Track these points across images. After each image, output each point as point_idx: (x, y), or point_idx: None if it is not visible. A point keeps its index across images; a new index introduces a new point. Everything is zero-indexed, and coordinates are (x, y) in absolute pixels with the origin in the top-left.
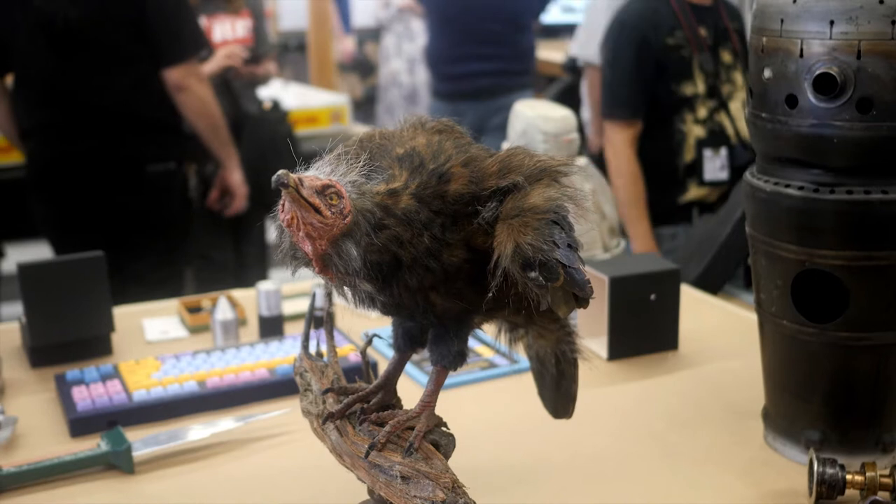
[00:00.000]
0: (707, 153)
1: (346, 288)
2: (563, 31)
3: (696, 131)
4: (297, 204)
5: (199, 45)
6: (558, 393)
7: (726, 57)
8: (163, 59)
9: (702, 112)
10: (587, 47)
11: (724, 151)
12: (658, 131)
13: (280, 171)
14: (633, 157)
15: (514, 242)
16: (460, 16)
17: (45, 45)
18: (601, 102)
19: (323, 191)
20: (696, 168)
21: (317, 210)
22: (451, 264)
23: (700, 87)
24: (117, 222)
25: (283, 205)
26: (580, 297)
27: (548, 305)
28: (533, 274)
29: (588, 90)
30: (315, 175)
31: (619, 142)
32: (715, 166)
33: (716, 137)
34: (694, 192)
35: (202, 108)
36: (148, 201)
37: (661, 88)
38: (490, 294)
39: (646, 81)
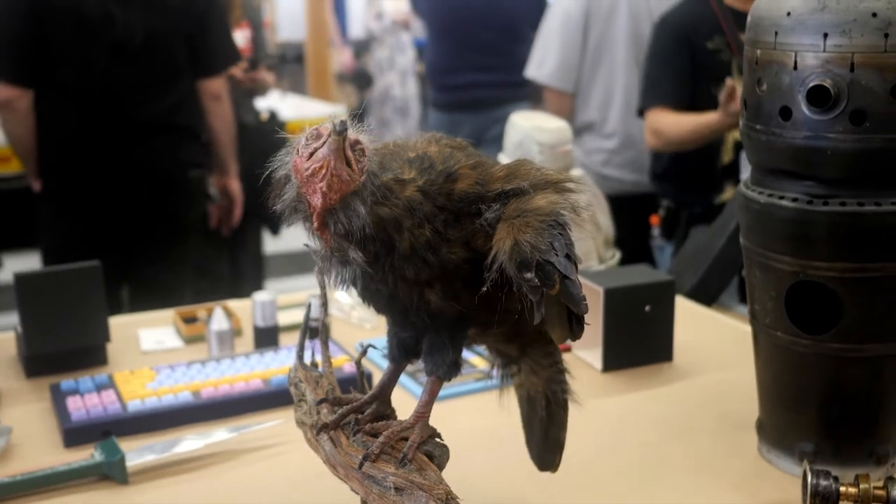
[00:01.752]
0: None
1: (334, 261)
2: None
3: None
4: (338, 154)
5: (238, 56)
6: (546, 441)
7: None
8: (207, 70)
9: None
10: (542, 68)
11: None
12: None
13: (343, 118)
14: (671, 119)
15: (514, 239)
16: (457, 26)
17: (104, 58)
18: (641, 95)
19: (354, 145)
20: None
21: (348, 163)
22: (450, 261)
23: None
24: (159, 232)
25: (312, 153)
26: (574, 323)
27: (542, 317)
28: (529, 275)
29: (548, 111)
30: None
31: (656, 123)
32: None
33: None
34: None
35: (230, 117)
36: (189, 207)
37: (700, 90)
38: (485, 288)
39: (683, 76)
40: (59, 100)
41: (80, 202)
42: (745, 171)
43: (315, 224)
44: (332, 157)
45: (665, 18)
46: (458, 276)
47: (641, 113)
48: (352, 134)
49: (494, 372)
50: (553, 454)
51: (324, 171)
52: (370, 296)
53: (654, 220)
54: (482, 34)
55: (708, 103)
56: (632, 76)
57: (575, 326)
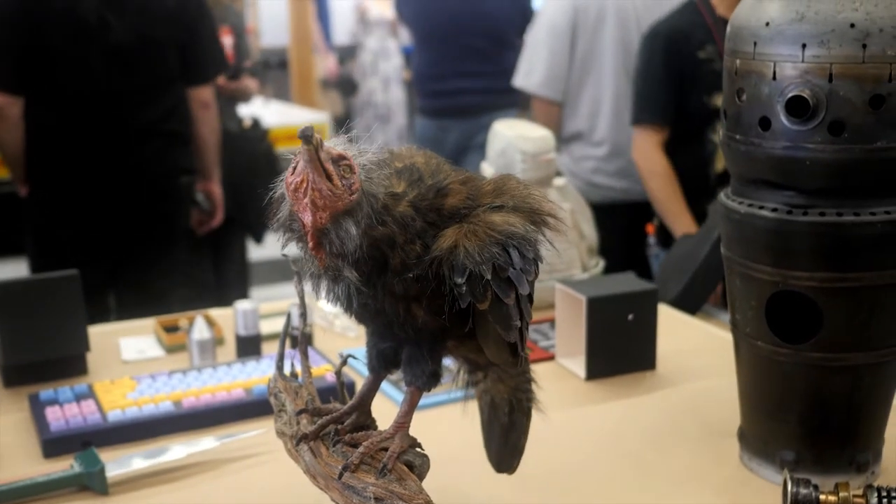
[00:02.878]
0: None
1: (325, 280)
2: None
3: None
4: (313, 165)
5: (226, 64)
6: (505, 445)
7: None
8: (196, 78)
9: None
10: (529, 78)
11: None
12: (690, 141)
13: (307, 126)
14: (662, 158)
15: (454, 242)
16: (443, 33)
17: (97, 65)
18: (632, 108)
19: (338, 160)
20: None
21: (328, 177)
22: (440, 277)
23: None
24: (149, 238)
25: (295, 167)
26: (511, 351)
27: (469, 327)
28: (459, 280)
29: (536, 120)
30: (332, 145)
31: (649, 145)
32: None
33: None
34: None
35: (217, 125)
36: (178, 213)
37: (692, 100)
38: (410, 275)
39: (674, 90)
40: (50, 106)
41: (69, 208)
42: None
43: (310, 244)
44: (308, 168)
45: (655, 30)
46: (445, 291)
47: (636, 122)
48: (334, 149)
49: (459, 377)
50: (512, 457)
51: (305, 185)
52: (357, 309)
53: (651, 228)
54: (468, 41)
55: (697, 112)
56: (620, 85)
57: (512, 353)
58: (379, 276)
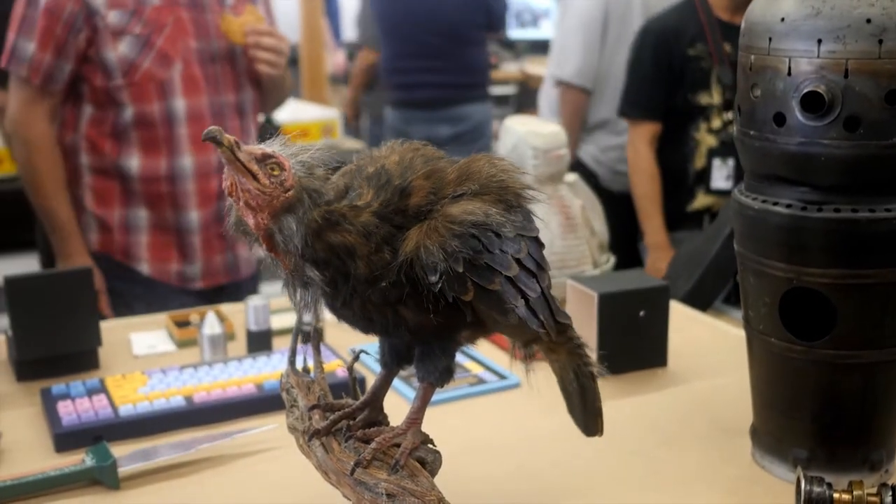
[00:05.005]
0: (716, 162)
1: (296, 284)
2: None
3: (709, 140)
4: (233, 166)
5: None
6: (585, 409)
7: None
8: None
9: (716, 122)
10: (564, 67)
11: (731, 162)
12: (673, 137)
13: (212, 127)
14: (650, 155)
15: (416, 243)
16: (403, 29)
17: None
18: (621, 100)
19: (263, 159)
20: (705, 176)
21: (254, 177)
22: (414, 279)
23: (716, 98)
24: None
25: (225, 170)
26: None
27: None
28: (434, 279)
29: (561, 107)
30: (257, 146)
31: (637, 140)
32: (722, 175)
33: (727, 148)
34: (701, 200)
35: None
36: None
37: (677, 96)
38: (384, 284)
39: (662, 85)
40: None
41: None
42: (717, 178)
43: (264, 245)
44: (230, 169)
45: (647, 26)
46: (424, 291)
47: (622, 114)
48: (256, 148)
49: (515, 352)
50: (594, 419)
51: (234, 187)
52: (345, 319)
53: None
54: (426, 38)
55: (681, 109)
56: None
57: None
58: (345, 282)
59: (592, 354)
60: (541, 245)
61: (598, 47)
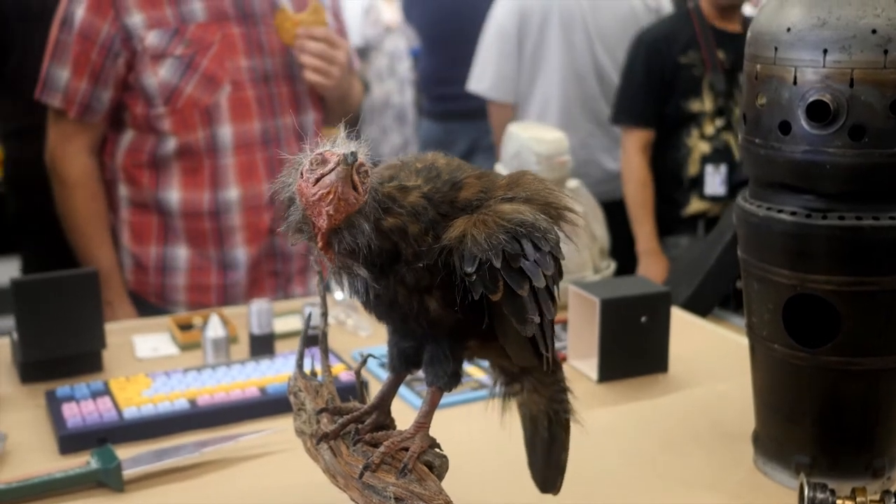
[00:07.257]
0: (709, 168)
1: (342, 274)
2: None
3: (702, 147)
4: (346, 181)
5: None
6: (549, 462)
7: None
8: None
9: (709, 129)
10: (481, 82)
11: (724, 168)
12: (666, 144)
13: (351, 149)
14: (643, 162)
15: (462, 231)
16: (449, 37)
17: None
18: (613, 107)
19: (359, 168)
20: (698, 182)
21: (354, 188)
22: (450, 267)
23: (708, 105)
24: None
25: (320, 178)
26: (538, 352)
27: (487, 322)
28: (469, 269)
29: (491, 123)
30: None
31: (630, 147)
32: (715, 182)
33: (719, 154)
34: (695, 206)
35: None
36: None
37: (670, 103)
38: (420, 265)
39: (654, 93)
40: (16, 83)
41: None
42: (711, 184)
43: (320, 244)
44: (339, 184)
45: (640, 36)
46: (457, 282)
47: (615, 122)
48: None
49: (497, 389)
50: (555, 476)
51: (331, 197)
52: (372, 301)
53: None
54: (472, 45)
55: (674, 116)
56: (568, 85)
57: (536, 354)
58: (391, 265)
59: (572, 399)
60: (560, 275)
61: (515, 60)
